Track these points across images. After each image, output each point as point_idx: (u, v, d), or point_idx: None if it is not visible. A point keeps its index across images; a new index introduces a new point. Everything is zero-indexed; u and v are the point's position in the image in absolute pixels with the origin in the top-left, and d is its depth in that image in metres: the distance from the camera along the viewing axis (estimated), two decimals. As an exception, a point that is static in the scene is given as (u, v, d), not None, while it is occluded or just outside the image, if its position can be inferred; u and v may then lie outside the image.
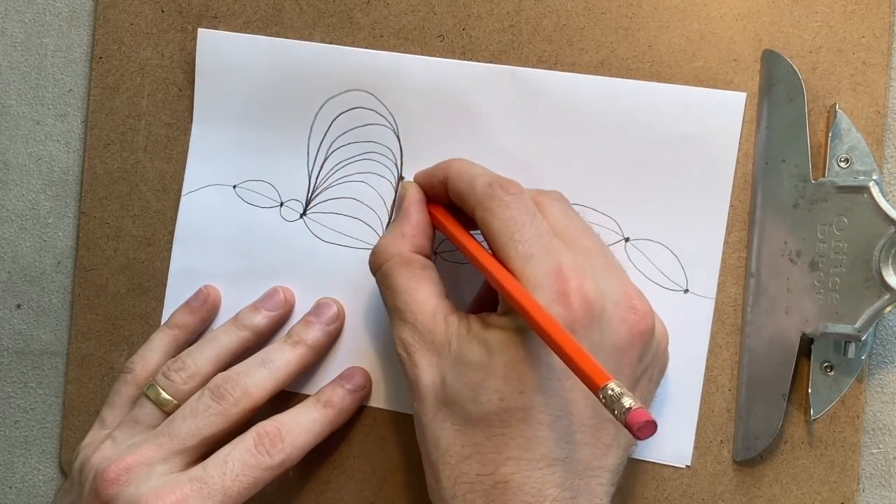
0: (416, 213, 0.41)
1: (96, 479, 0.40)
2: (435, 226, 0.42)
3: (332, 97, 0.46)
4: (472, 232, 0.41)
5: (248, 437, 0.41)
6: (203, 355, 0.44)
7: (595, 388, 0.32)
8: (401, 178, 0.45)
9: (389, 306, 0.40)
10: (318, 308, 0.45)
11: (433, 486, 0.38)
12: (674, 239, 0.43)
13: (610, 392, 0.31)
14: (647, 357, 0.38)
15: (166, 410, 0.42)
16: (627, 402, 0.31)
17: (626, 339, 0.37)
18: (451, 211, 0.41)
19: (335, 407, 0.43)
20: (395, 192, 0.45)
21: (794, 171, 0.42)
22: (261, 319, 0.45)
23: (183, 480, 0.39)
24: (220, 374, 0.42)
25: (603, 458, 0.37)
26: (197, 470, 0.40)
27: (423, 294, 0.39)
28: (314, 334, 0.44)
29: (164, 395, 0.42)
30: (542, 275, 0.36)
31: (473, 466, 0.36)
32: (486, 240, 0.39)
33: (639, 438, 0.31)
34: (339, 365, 0.45)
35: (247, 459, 0.40)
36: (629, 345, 0.37)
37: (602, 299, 0.36)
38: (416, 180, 0.42)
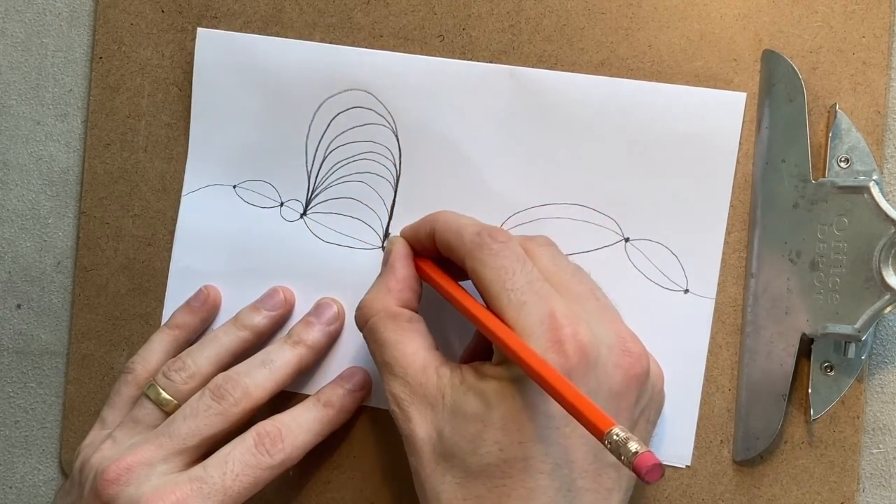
0: (401, 267, 0.41)
1: (96, 480, 0.40)
2: (424, 279, 0.42)
3: (332, 96, 0.46)
4: (461, 283, 0.41)
5: (249, 437, 0.41)
6: (203, 355, 0.44)
7: (600, 434, 0.32)
8: (387, 234, 0.45)
9: (378, 361, 0.40)
10: (318, 308, 0.45)
11: None
12: (674, 239, 0.43)
13: (615, 437, 0.31)
14: (644, 399, 0.38)
15: (166, 410, 0.42)
16: (633, 446, 0.31)
17: (623, 383, 0.37)
18: (439, 264, 0.41)
19: (335, 407, 0.43)
20: (394, 195, 0.45)
21: (794, 171, 0.42)
22: (261, 319, 0.45)
23: (183, 480, 0.39)
24: (220, 375, 0.42)
25: (605, 503, 0.37)
26: (197, 470, 0.40)
27: (412, 347, 0.39)
28: (314, 335, 0.44)
29: (165, 395, 0.42)
30: (535, 323, 0.36)
31: None
32: (477, 290, 0.38)
33: (647, 482, 0.30)
34: (339, 365, 0.45)
35: (247, 459, 0.40)
36: (626, 389, 0.37)
37: (597, 345, 0.36)
38: (403, 235, 0.43)
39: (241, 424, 0.42)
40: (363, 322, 0.41)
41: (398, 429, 0.39)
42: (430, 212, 0.42)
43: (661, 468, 0.30)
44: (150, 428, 0.42)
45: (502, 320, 0.37)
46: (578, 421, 0.33)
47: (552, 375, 0.34)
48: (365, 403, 0.45)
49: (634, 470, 0.30)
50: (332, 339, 0.45)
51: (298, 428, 0.42)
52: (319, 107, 0.46)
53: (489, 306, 0.38)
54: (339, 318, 0.45)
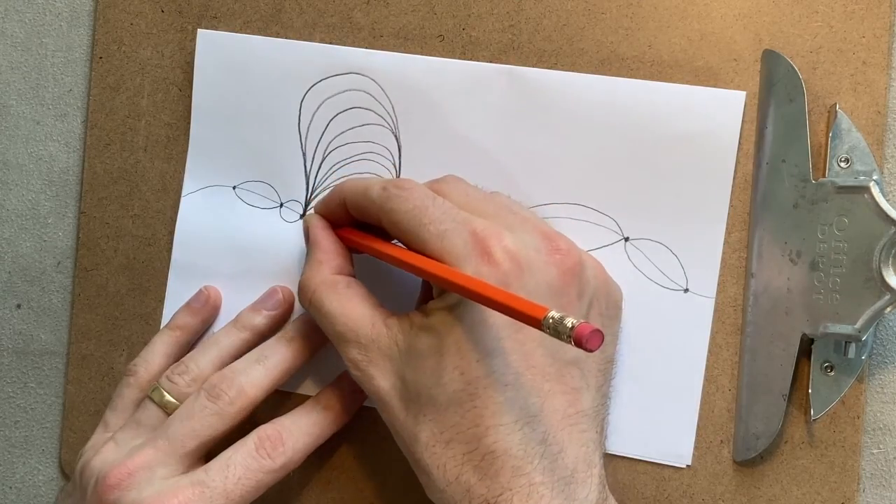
0: (323, 238, 0.42)
1: (98, 484, 0.40)
2: (350, 248, 0.43)
3: (331, 97, 0.46)
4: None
5: (250, 441, 0.41)
6: (205, 358, 0.44)
7: (537, 322, 0.32)
8: (302, 216, 0.46)
9: (330, 333, 0.40)
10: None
11: (427, 483, 0.38)
12: (674, 238, 0.43)
13: (551, 320, 0.32)
14: (587, 291, 0.39)
15: (170, 413, 0.42)
16: (569, 321, 0.31)
17: (559, 278, 0.37)
18: (359, 229, 0.42)
19: (335, 409, 0.43)
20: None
21: (794, 171, 0.42)
22: (261, 320, 0.45)
23: (185, 485, 0.39)
24: (214, 374, 0.42)
25: (576, 403, 0.37)
26: (199, 474, 0.40)
27: (358, 310, 0.40)
28: (307, 331, 0.44)
29: (168, 397, 0.42)
30: (460, 245, 0.37)
31: (458, 448, 0.37)
32: (399, 240, 0.40)
33: (589, 350, 0.31)
34: (339, 366, 0.45)
35: (248, 463, 0.40)
36: (563, 284, 0.38)
37: (525, 248, 0.37)
38: (317, 211, 0.44)
39: (240, 423, 0.42)
40: (306, 301, 0.41)
41: (365, 391, 0.40)
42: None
43: (599, 334, 0.31)
44: (153, 431, 0.42)
45: (428, 255, 0.38)
46: (515, 319, 0.34)
47: (481, 286, 0.35)
48: (365, 404, 0.45)
49: (575, 342, 0.31)
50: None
51: (299, 431, 0.42)
52: (319, 107, 0.46)
53: (413, 248, 0.39)
54: None
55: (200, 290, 0.46)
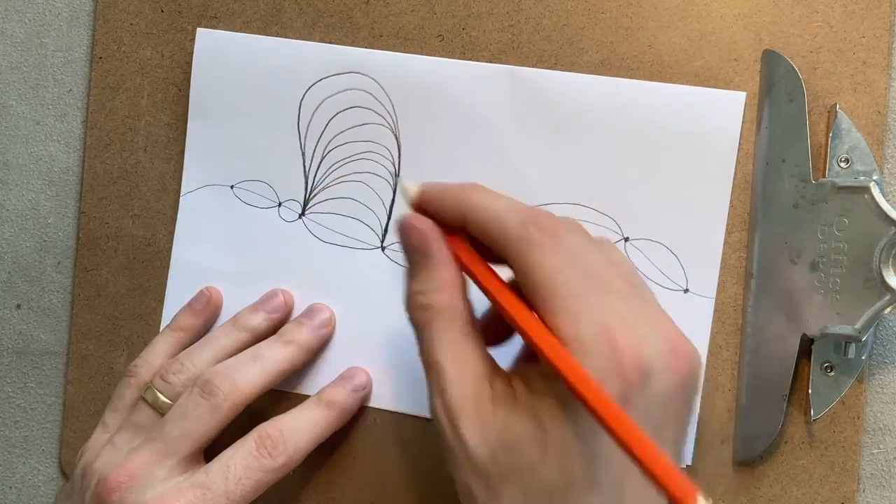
0: (445, 257, 0.36)
1: (98, 486, 0.40)
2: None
3: (330, 96, 0.46)
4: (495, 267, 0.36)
5: (250, 440, 0.41)
6: (201, 357, 0.43)
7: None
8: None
9: (427, 361, 0.36)
10: (310, 311, 0.45)
11: None
12: (674, 239, 0.43)
13: None
14: (694, 393, 0.36)
15: (164, 414, 0.42)
16: None
17: (676, 386, 0.34)
18: (470, 243, 0.36)
19: (336, 407, 0.43)
20: (393, 194, 0.45)
21: (794, 171, 0.42)
22: (260, 321, 0.45)
23: (186, 487, 0.39)
24: (208, 370, 0.42)
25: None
26: (200, 475, 0.40)
27: (469, 355, 0.35)
28: (305, 335, 0.44)
29: (162, 398, 0.42)
30: (592, 337, 0.33)
31: None
32: (521, 285, 0.35)
33: None
34: (339, 365, 0.45)
35: (249, 462, 0.40)
36: (678, 392, 0.34)
37: (651, 354, 0.33)
38: (418, 208, 0.37)
39: (234, 420, 0.41)
40: (422, 320, 0.36)
41: (442, 441, 0.35)
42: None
43: None
44: (149, 432, 0.42)
45: (552, 330, 0.33)
46: (654, 483, 0.31)
47: (617, 423, 0.31)
48: (365, 404, 0.45)
49: None
50: (322, 343, 0.45)
51: (300, 429, 0.42)
52: (318, 107, 0.46)
53: (535, 308, 0.34)
54: (331, 323, 0.45)
55: (202, 291, 0.46)
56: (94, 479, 0.40)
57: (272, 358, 0.43)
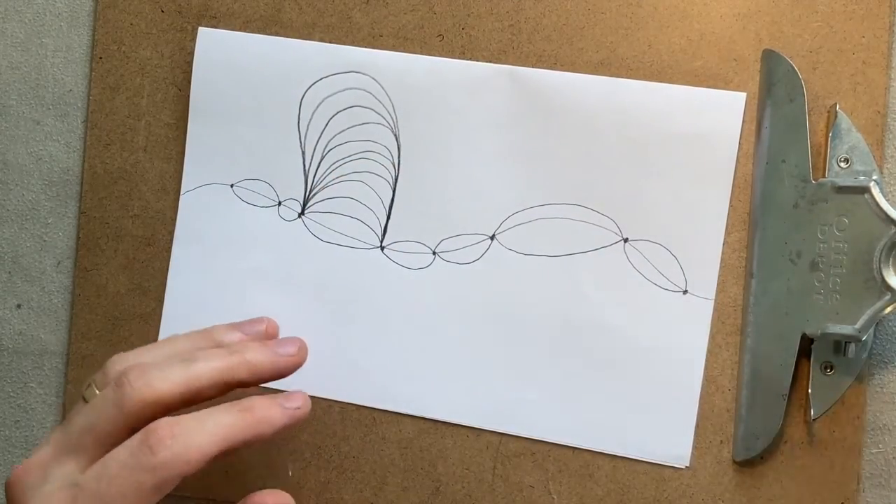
0: None
1: (6, 482, 0.37)
2: None
3: (330, 96, 0.46)
4: None
5: (137, 436, 0.36)
6: (150, 356, 0.39)
7: None
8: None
9: None
10: (278, 341, 0.42)
11: None
12: (673, 239, 0.43)
13: None
14: None
15: None
16: None
17: None
18: None
19: (254, 413, 0.38)
20: (393, 194, 0.45)
21: (794, 172, 0.42)
22: (232, 340, 0.41)
23: (59, 487, 0.36)
24: (130, 365, 0.38)
25: None
26: (77, 475, 0.36)
27: None
28: (259, 355, 0.40)
29: (95, 391, 0.38)
30: None
31: None
32: None
33: None
34: (339, 365, 0.45)
35: (125, 459, 0.35)
36: None
37: None
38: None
39: (142, 421, 0.37)
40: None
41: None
42: (429, 211, 0.41)
43: None
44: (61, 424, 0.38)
45: None
46: None
47: None
48: (370, 406, 0.45)
49: None
50: (277, 370, 0.41)
51: (198, 427, 0.36)
52: (318, 106, 0.46)
53: None
54: (301, 353, 0.42)
55: (261, 319, 0.43)
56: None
57: (204, 365, 0.38)
